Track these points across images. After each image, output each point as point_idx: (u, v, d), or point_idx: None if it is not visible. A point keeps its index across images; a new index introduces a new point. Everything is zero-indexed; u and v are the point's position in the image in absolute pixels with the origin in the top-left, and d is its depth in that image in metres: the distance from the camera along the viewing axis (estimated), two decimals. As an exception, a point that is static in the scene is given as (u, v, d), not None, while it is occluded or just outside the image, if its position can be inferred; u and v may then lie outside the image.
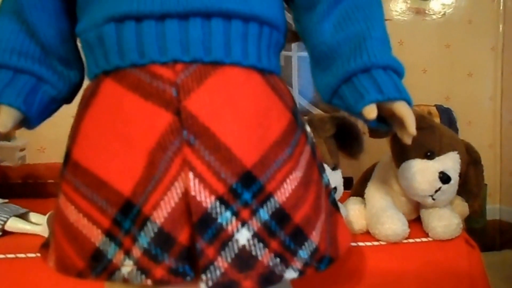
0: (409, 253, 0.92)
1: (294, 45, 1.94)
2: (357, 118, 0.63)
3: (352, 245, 0.91)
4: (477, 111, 2.19)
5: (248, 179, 0.52)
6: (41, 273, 0.78)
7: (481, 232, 1.99)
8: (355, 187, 1.13)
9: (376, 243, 0.92)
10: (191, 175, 0.49)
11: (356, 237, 0.94)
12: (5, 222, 0.88)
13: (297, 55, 1.96)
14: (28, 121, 0.58)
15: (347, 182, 1.08)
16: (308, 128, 0.65)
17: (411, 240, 0.93)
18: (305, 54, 2.25)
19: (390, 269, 0.90)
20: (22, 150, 1.73)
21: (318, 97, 2.04)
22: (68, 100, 0.65)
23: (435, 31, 2.14)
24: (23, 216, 0.93)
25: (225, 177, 0.50)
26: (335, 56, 0.61)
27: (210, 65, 0.53)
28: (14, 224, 0.89)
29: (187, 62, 0.52)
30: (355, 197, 1.06)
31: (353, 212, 0.98)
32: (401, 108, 0.57)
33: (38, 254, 0.76)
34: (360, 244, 0.92)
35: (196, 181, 0.49)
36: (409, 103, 0.58)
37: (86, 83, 0.62)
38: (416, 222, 0.99)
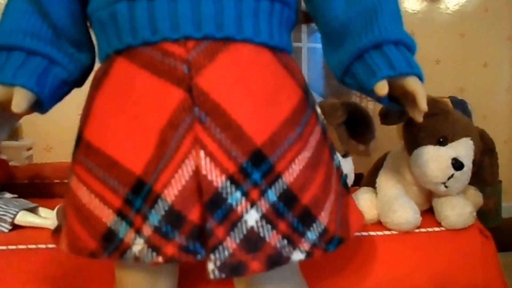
0: (421, 242, 0.90)
1: (304, 36, 1.92)
2: (369, 96, 0.63)
3: (363, 234, 0.89)
4: (492, 103, 2.14)
5: (258, 158, 0.52)
6: (51, 263, 0.79)
7: (496, 231, 1.94)
8: (366, 177, 1.11)
9: (387, 232, 0.91)
10: (202, 153, 0.50)
11: (367, 227, 0.92)
12: (15, 215, 0.89)
13: (307, 46, 1.94)
14: (40, 104, 0.58)
15: (357, 179, 1.06)
16: (319, 109, 0.65)
17: (423, 230, 0.91)
18: (315, 45, 2.23)
19: (402, 259, 0.88)
20: (29, 149, 1.77)
21: (328, 90, 2.01)
22: (79, 83, 0.66)
23: (449, 20, 2.09)
24: (32, 211, 0.93)
25: (235, 156, 0.50)
26: (347, 32, 0.61)
27: (221, 42, 0.53)
28: (24, 218, 0.90)
29: (198, 38, 0.52)
30: (366, 187, 1.04)
31: (364, 202, 0.96)
32: (413, 83, 0.57)
33: (49, 246, 0.80)
34: (372, 233, 0.90)
35: (207, 159, 0.50)
36: (420, 78, 0.58)
37: (97, 67, 0.62)
38: (428, 213, 0.97)
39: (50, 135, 1.80)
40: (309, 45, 1.95)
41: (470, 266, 0.89)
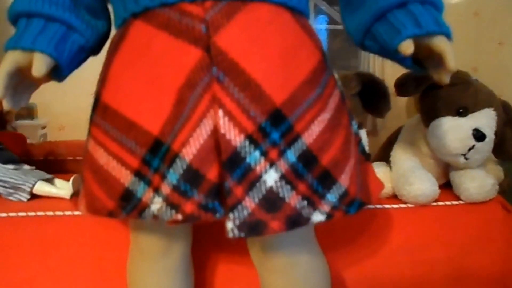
0: (439, 216, 0.88)
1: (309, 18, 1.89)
2: (391, 58, 0.61)
3: (378, 207, 0.87)
4: (508, 82, 2.09)
5: (277, 117, 0.51)
6: (68, 229, 0.82)
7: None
8: (379, 152, 1.08)
9: (403, 205, 0.88)
10: (220, 112, 0.49)
11: (382, 200, 0.89)
12: (34, 185, 0.92)
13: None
14: (59, 70, 0.58)
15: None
16: (336, 75, 0.63)
17: (440, 203, 0.89)
18: (321, 26, 2.18)
19: (418, 233, 0.86)
20: (43, 128, 1.89)
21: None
22: (96, 50, 0.66)
23: (463, -1, 2.05)
24: (49, 181, 0.97)
25: (254, 115, 0.50)
26: None
27: (239, 1, 0.52)
28: (42, 188, 0.93)
29: None
30: (379, 162, 1.01)
31: (378, 175, 0.92)
32: (441, 43, 0.55)
33: (66, 213, 0.83)
34: (387, 206, 0.87)
35: (226, 119, 0.49)
36: (449, 37, 0.55)
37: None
38: (445, 187, 0.94)
39: (63, 115, 1.90)
40: (314, 27, 1.92)
41: (490, 241, 0.86)
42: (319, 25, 2.19)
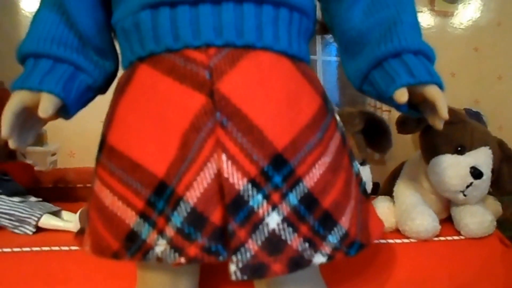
0: (440, 251, 0.89)
1: (318, 48, 1.95)
2: (387, 104, 0.63)
3: (382, 242, 0.89)
4: (507, 114, 2.13)
5: (279, 162, 0.52)
6: (73, 265, 0.81)
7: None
8: (383, 186, 1.11)
9: (406, 240, 0.90)
10: (224, 156, 0.50)
11: (386, 234, 0.92)
12: (39, 218, 0.92)
13: (322, 60, 1.96)
14: (66, 109, 0.60)
15: (374, 188, 1.06)
16: (338, 117, 0.65)
17: (442, 238, 0.91)
18: (330, 58, 2.25)
19: (420, 267, 0.87)
20: (53, 154, 1.83)
21: (343, 100, 2.03)
22: (103, 90, 0.68)
23: (463, 34, 2.11)
24: (56, 214, 0.97)
25: (257, 159, 0.51)
26: (364, 41, 0.62)
27: (242, 49, 0.54)
28: (48, 221, 0.93)
29: (219, 45, 0.53)
30: (383, 196, 1.05)
31: (382, 210, 0.96)
32: (433, 92, 0.57)
33: (71, 248, 0.82)
34: (390, 241, 0.90)
35: (229, 163, 0.50)
36: (440, 87, 0.58)
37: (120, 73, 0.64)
38: (446, 221, 0.96)
39: (74, 141, 1.85)
40: (324, 58, 1.96)
41: (491, 276, 0.87)
42: (329, 57, 2.24)
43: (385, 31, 0.59)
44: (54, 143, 1.85)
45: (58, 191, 1.23)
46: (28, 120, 0.58)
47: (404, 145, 1.32)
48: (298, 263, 0.51)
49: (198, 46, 0.53)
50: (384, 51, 0.58)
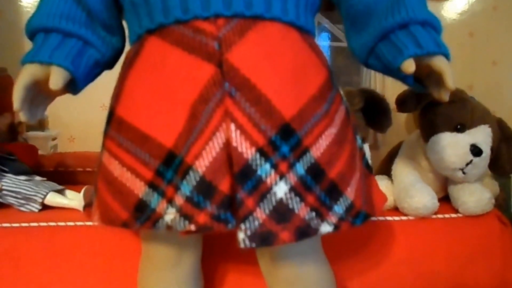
0: (438, 228, 0.90)
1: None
2: (394, 76, 0.63)
3: (380, 219, 0.89)
4: (501, 100, 2.15)
5: (286, 131, 0.52)
6: (79, 239, 0.83)
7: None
8: (381, 165, 1.11)
9: (404, 218, 0.91)
10: (232, 126, 0.51)
11: (384, 212, 0.92)
12: (45, 196, 0.94)
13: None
14: (74, 83, 0.60)
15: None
16: (341, 91, 0.66)
17: (440, 216, 0.92)
18: (324, 43, 2.23)
19: (418, 245, 0.89)
20: (54, 139, 1.90)
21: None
22: (110, 65, 0.68)
23: (458, 19, 2.11)
24: (60, 192, 0.99)
25: (265, 129, 0.51)
26: (371, 14, 0.62)
27: (250, 20, 0.54)
28: (53, 199, 0.95)
29: (228, 16, 0.53)
30: (381, 175, 1.04)
31: (380, 189, 0.95)
32: (440, 62, 0.57)
33: (77, 223, 0.84)
34: (389, 218, 0.90)
35: (238, 132, 0.51)
36: (447, 57, 0.58)
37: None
38: (444, 200, 0.96)
39: (73, 126, 1.91)
40: (318, 44, 1.96)
41: (488, 253, 0.89)
42: (322, 42, 2.23)
43: (392, 3, 0.59)
44: (55, 129, 1.92)
45: (59, 174, 1.26)
46: (38, 95, 0.59)
47: (398, 131, 1.32)
48: (305, 231, 0.52)
49: (207, 17, 0.53)
50: (392, 22, 0.58)
